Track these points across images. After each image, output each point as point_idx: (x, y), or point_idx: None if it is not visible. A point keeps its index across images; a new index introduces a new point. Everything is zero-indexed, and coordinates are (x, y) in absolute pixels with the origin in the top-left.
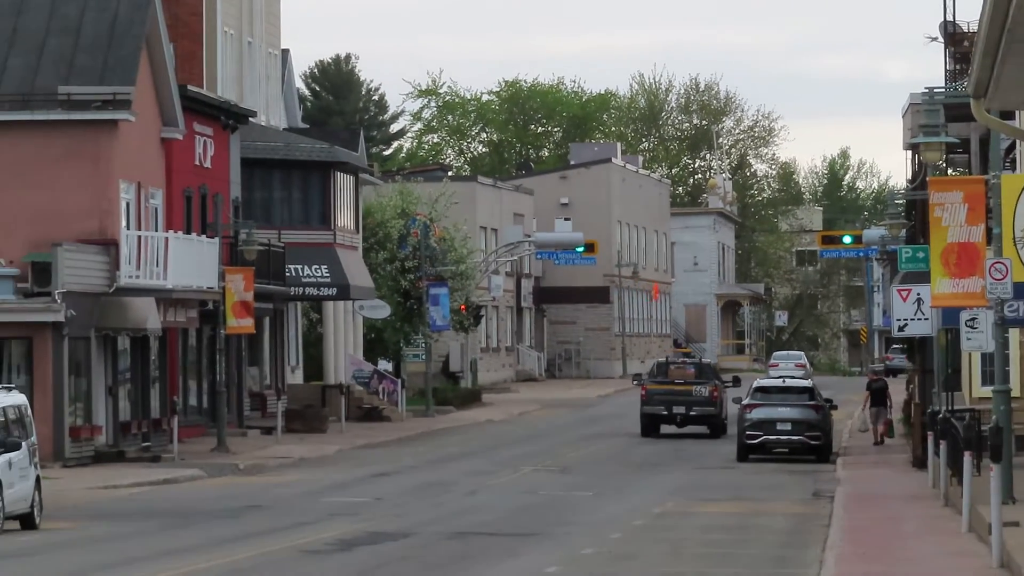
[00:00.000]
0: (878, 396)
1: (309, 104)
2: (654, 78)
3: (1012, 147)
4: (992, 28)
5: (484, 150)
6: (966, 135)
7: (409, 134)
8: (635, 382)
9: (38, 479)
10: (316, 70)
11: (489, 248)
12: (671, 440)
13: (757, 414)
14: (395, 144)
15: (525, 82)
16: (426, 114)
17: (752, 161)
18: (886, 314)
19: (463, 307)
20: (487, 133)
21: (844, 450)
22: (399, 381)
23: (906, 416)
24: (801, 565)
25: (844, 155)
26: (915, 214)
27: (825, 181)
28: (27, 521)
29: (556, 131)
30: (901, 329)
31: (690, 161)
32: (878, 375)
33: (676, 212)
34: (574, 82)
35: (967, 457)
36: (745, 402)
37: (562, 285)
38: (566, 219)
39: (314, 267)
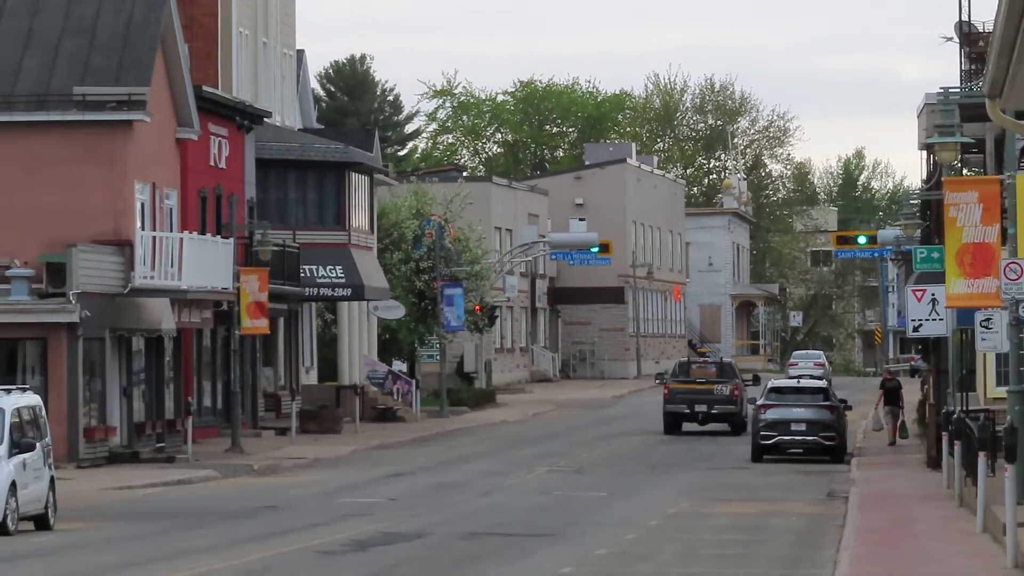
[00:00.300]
0: (892, 396)
1: (324, 105)
2: (669, 78)
3: None
4: (1007, 28)
5: (499, 150)
6: (981, 135)
7: (424, 134)
8: (658, 381)
9: (52, 480)
10: (331, 70)
11: (504, 248)
12: (685, 440)
13: (771, 415)
14: (410, 144)
15: (540, 82)
16: (441, 114)
17: (767, 161)
18: (901, 314)
19: (478, 308)
20: (502, 133)
21: (858, 451)
22: (413, 382)
23: (921, 416)
24: (816, 565)
25: (859, 155)
26: (930, 214)
27: (840, 181)
28: (41, 522)
29: (571, 131)
30: (916, 329)
31: (705, 161)
32: (892, 375)
33: (691, 212)
34: (589, 82)
35: (982, 457)
36: (759, 402)
37: (577, 285)
38: (581, 219)
39: (329, 268)
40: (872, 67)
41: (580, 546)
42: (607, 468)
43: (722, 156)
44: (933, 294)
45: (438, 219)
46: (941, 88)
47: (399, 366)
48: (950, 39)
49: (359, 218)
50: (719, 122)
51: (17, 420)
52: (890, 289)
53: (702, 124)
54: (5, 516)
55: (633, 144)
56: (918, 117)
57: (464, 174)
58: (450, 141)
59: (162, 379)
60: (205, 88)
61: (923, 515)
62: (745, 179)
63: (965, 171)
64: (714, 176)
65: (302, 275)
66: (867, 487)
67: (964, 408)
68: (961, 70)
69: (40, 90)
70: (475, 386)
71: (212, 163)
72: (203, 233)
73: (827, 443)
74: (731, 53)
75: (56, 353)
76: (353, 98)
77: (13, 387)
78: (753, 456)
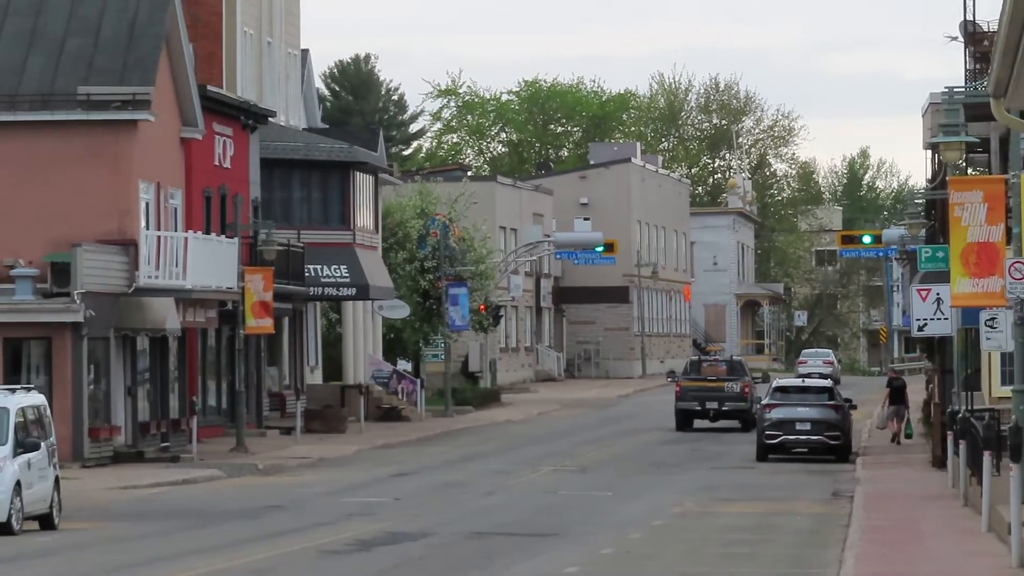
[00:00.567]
0: (897, 395)
1: (329, 104)
2: (674, 77)
3: None
4: (1012, 28)
5: (504, 150)
6: (986, 134)
7: (428, 134)
8: (669, 379)
9: (57, 479)
10: (336, 70)
11: (508, 248)
12: (690, 440)
13: (776, 414)
14: (414, 144)
15: (545, 82)
16: (445, 114)
17: (772, 161)
18: (906, 314)
19: (482, 307)
20: (507, 133)
21: (864, 450)
22: (418, 381)
23: (926, 416)
24: (821, 565)
25: (864, 154)
26: (935, 213)
27: (845, 180)
28: (46, 521)
29: (576, 131)
30: (921, 329)
31: (710, 161)
32: (898, 374)
33: (696, 212)
34: (594, 82)
35: (987, 457)
36: (764, 402)
37: (581, 285)
38: (585, 219)
39: (333, 267)
40: (877, 66)
41: (585, 546)
42: (612, 467)
43: (727, 155)
44: (938, 293)
45: (443, 218)
46: (946, 87)
47: (404, 365)
48: (955, 38)
49: (364, 218)
50: (724, 121)
51: (22, 420)
52: (895, 288)
53: (707, 123)
54: (10, 516)
55: (638, 144)
56: (923, 116)
57: (469, 173)
58: (455, 140)
59: (167, 379)
60: (209, 88)
61: (928, 515)
62: (750, 178)
63: (970, 170)
64: (719, 175)
65: (307, 275)
66: (872, 487)
67: (969, 407)
68: (966, 69)
69: (44, 90)
70: (480, 385)
71: (217, 163)
72: (208, 233)
73: (832, 442)
74: (736, 52)
75: (61, 353)
76: (358, 98)
77: (18, 386)
78: (758, 455)
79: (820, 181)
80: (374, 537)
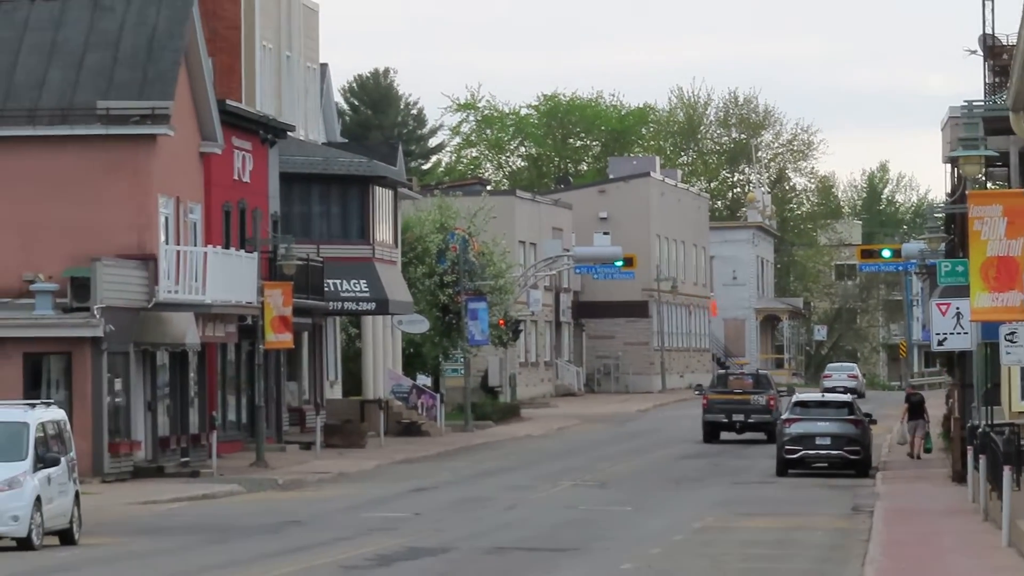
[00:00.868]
0: (915, 410)
1: (348, 118)
2: (693, 92)
3: None
4: None
5: (523, 164)
6: (1005, 148)
7: (448, 148)
8: (697, 392)
9: (77, 494)
10: (355, 84)
11: (528, 262)
12: (711, 455)
13: (796, 428)
14: (434, 158)
15: (564, 96)
16: (465, 128)
17: (791, 175)
18: (925, 328)
19: (502, 322)
20: (526, 147)
21: (883, 464)
22: (438, 396)
23: (945, 431)
24: None
25: (883, 168)
26: (954, 228)
27: (864, 195)
28: (66, 536)
29: (595, 145)
30: (940, 343)
31: (729, 175)
32: (916, 389)
33: (715, 226)
34: (613, 96)
35: (1007, 472)
36: (784, 416)
37: (601, 299)
38: (605, 233)
39: (353, 282)
40: (896, 80)
41: (605, 561)
42: (632, 482)
43: (746, 170)
44: (958, 308)
45: (462, 233)
46: (965, 101)
47: (423, 380)
48: (974, 52)
49: (383, 232)
50: (743, 135)
51: (42, 435)
52: (915, 303)
53: (726, 137)
54: (30, 531)
55: (657, 158)
56: (942, 130)
57: (488, 188)
58: (474, 155)
59: (186, 393)
60: (229, 102)
61: (948, 529)
62: (769, 193)
63: (989, 184)
64: (738, 190)
65: (326, 289)
66: (892, 501)
67: (989, 422)
68: (985, 83)
69: (64, 104)
70: (500, 400)
71: (236, 177)
72: (227, 247)
73: (852, 457)
74: (755, 66)
75: (80, 367)
76: (377, 112)
77: (38, 401)
78: (778, 470)
79: (839, 195)
80: (395, 552)
